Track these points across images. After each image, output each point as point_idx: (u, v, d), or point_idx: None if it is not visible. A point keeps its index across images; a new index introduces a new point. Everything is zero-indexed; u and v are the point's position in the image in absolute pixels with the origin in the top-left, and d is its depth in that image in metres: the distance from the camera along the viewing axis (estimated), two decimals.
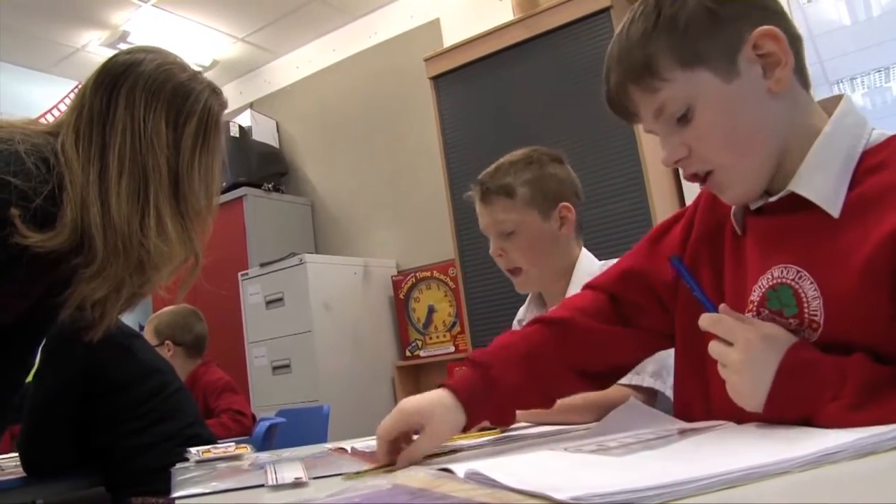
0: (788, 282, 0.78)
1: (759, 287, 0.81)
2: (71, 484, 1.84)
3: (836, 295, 0.73)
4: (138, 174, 1.09)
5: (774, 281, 0.79)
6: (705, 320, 0.76)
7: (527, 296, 1.56)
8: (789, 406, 0.69)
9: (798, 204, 0.77)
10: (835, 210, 0.75)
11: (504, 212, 1.41)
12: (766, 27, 0.78)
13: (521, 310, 1.56)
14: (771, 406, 0.69)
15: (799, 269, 0.77)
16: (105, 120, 1.12)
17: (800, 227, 0.79)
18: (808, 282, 0.76)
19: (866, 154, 0.76)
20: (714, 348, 0.75)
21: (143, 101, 1.13)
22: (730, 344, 0.73)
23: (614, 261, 1.40)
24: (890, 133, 0.78)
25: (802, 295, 0.76)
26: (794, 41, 0.81)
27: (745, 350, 0.71)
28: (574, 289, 1.39)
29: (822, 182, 0.76)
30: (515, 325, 1.59)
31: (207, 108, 1.20)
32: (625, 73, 0.83)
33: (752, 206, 0.85)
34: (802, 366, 0.69)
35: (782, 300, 0.78)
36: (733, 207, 0.88)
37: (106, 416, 1.73)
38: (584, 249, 1.47)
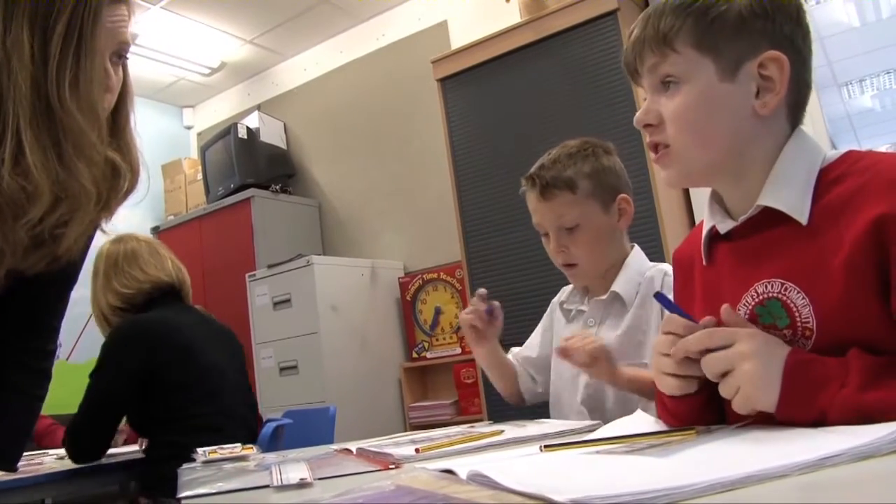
0: (776, 295, 0.80)
1: (745, 305, 0.83)
2: (82, 484, 1.87)
3: (825, 299, 0.75)
4: None
5: (761, 297, 0.81)
6: (696, 340, 0.76)
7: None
8: (801, 404, 0.69)
9: (768, 222, 0.82)
10: (802, 217, 0.78)
11: (566, 206, 1.37)
12: (778, 52, 0.81)
13: (567, 291, 1.54)
14: (783, 407, 0.70)
15: (783, 281, 0.79)
16: None
17: (774, 242, 0.82)
18: (795, 292, 0.78)
19: (825, 171, 0.81)
20: (714, 356, 0.74)
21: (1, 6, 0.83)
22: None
23: (665, 265, 1.41)
24: (844, 151, 0.83)
25: (792, 305, 0.78)
26: (802, 84, 0.85)
27: (752, 341, 0.72)
28: (621, 284, 1.39)
29: (788, 194, 0.80)
30: (556, 307, 1.56)
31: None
32: (647, 32, 0.87)
33: (722, 231, 0.88)
34: (807, 363, 0.71)
35: (773, 314, 0.80)
36: (703, 239, 0.91)
37: (159, 414, 1.84)
38: (637, 247, 1.47)
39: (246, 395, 2.11)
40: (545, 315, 1.60)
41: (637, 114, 0.89)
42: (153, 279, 1.99)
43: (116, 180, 0.92)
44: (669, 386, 0.82)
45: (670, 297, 1.28)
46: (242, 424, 1.95)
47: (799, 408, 0.69)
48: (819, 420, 0.68)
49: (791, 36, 0.83)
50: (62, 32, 0.82)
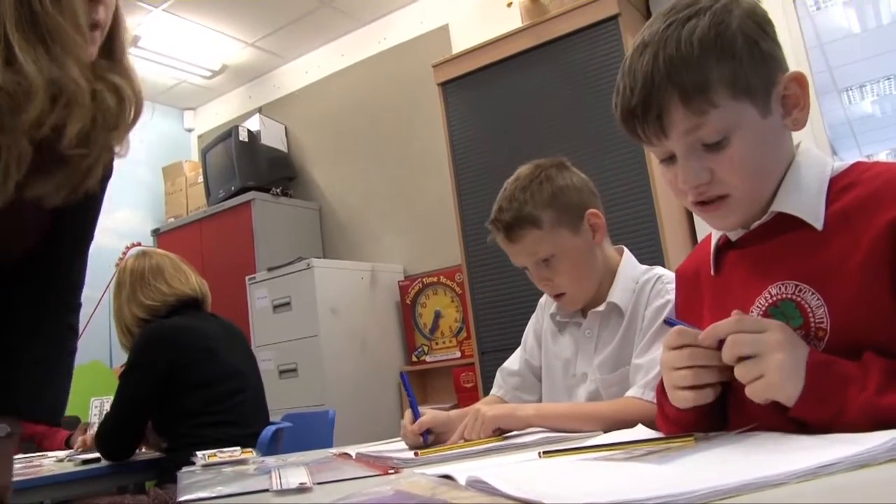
0: (790, 296, 0.80)
1: (758, 307, 0.83)
2: (81, 486, 1.88)
3: (840, 300, 0.76)
4: None
5: (774, 298, 0.82)
6: (726, 325, 0.74)
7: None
8: (821, 403, 0.69)
9: (780, 228, 0.83)
10: (818, 222, 0.80)
11: (536, 243, 1.33)
12: (797, 71, 0.83)
13: (555, 305, 1.46)
14: (803, 402, 0.70)
15: (797, 283, 0.80)
16: None
17: (787, 246, 0.83)
18: (810, 293, 0.79)
19: (834, 179, 0.83)
20: (744, 336, 0.73)
21: None
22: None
23: (659, 269, 1.38)
24: (852, 161, 0.85)
25: (806, 306, 0.79)
26: None
27: (783, 332, 0.72)
28: (618, 293, 1.34)
29: (802, 200, 0.82)
30: (545, 314, 1.50)
31: None
32: (675, 90, 0.80)
33: (734, 238, 0.89)
34: (828, 363, 0.71)
35: (787, 314, 0.80)
36: (711, 250, 0.92)
37: (183, 412, 1.92)
38: (626, 251, 1.43)
39: (263, 398, 2.20)
40: (533, 319, 1.56)
41: (682, 177, 0.83)
42: (178, 292, 2.10)
43: (122, 105, 0.94)
44: (685, 399, 0.80)
45: (662, 301, 1.28)
46: (262, 426, 2.01)
47: (818, 406, 0.70)
48: (833, 420, 0.69)
49: (779, 44, 0.84)
50: None
